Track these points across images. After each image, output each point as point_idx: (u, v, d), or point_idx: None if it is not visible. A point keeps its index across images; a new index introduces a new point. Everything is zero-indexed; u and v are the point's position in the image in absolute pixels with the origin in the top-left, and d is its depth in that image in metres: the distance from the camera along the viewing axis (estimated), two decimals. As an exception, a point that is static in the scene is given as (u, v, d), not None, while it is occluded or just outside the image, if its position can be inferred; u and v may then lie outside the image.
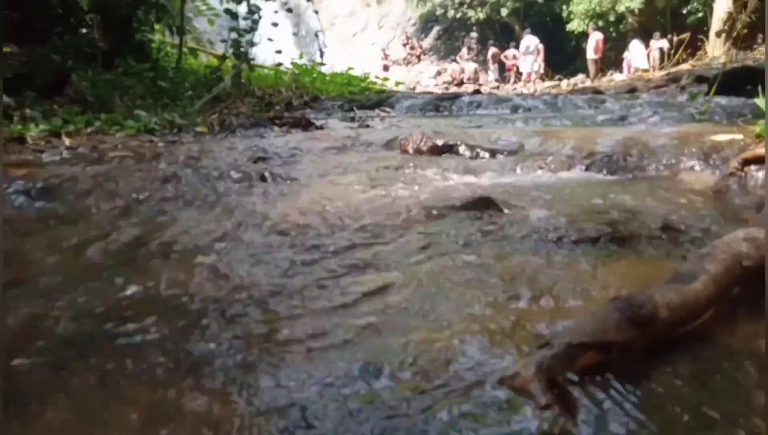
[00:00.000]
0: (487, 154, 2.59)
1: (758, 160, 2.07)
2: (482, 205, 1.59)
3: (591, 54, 15.66)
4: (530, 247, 1.23)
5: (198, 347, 0.81)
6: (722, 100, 5.02)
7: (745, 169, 2.05)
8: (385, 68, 20.26)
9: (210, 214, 1.55)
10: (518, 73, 17.24)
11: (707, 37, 13.65)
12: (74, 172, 2.10)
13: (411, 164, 2.39)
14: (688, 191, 1.78)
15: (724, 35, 11.22)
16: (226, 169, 2.20)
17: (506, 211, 1.57)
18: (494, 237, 1.30)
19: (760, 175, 2.00)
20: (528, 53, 16.18)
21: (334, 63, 19.31)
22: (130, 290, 0.99)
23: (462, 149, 2.70)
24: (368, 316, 0.86)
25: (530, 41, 16.32)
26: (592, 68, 15.70)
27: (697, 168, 2.13)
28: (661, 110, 4.23)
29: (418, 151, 2.77)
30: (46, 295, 0.97)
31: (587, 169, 2.22)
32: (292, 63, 8.35)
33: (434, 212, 1.49)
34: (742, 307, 0.88)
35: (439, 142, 2.75)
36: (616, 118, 3.95)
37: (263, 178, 2.03)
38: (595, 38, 15.61)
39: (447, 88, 15.91)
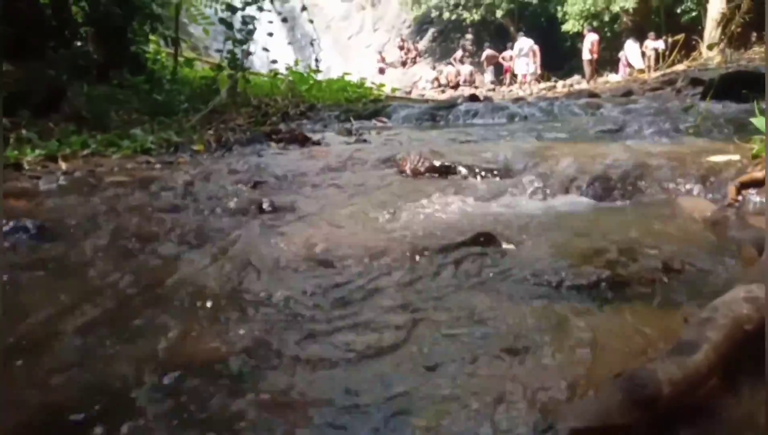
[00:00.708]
0: (484, 176, 2.59)
1: (755, 184, 2.08)
2: (480, 241, 1.58)
3: (586, 55, 15.70)
4: (529, 294, 1.23)
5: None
6: (718, 106, 5.04)
7: (743, 192, 2.06)
8: (381, 71, 20.25)
9: (207, 256, 1.54)
10: (514, 75, 17.26)
11: (701, 36, 13.70)
12: (71, 204, 2.10)
13: (408, 188, 2.38)
14: (686, 222, 1.78)
15: (717, 38, 11.25)
16: (223, 198, 2.20)
17: (505, 246, 1.57)
18: (493, 282, 1.30)
19: (757, 199, 2.01)
20: (522, 55, 16.20)
21: (330, 65, 19.31)
22: (123, 362, 0.98)
23: (459, 170, 2.69)
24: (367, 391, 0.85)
25: (524, 43, 16.35)
26: (587, 69, 15.73)
27: (695, 192, 2.14)
28: (657, 120, 4.24)
29: (415, 172, 2.76)
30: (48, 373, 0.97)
31: (585, 193, 2.22)
32: (288, 69, 8.35)
33: (430, 252, 1.48)
34: (742, 371, 0.88)
35: (437, 163, 2.75)
36: (612, 130, 3.95)
37: (261, 210, 2.03)
38: (591, 39, 15.65)
39: (443, 91, 15.93)
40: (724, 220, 1.73)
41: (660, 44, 15.03)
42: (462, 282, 1.31)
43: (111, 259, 1.53)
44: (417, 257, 1.46)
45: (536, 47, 16.35)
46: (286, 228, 1.81)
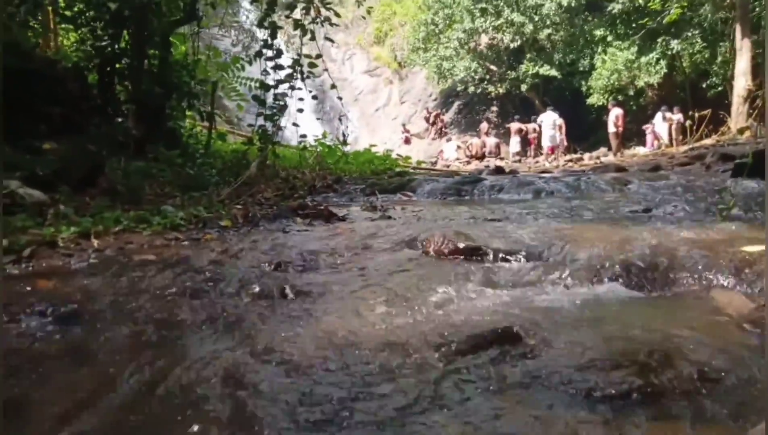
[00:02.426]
0: (509, 260, 2.55)
1: (794, 277, 1.99)
2: (505, 339, 1.53)
3: (612, 128, 15.85)
4: (557, 404, 1.16)
5: None
6: (750, 184, 4.96)
7: (781, 287, 1.98)
8: (407, 141, 20.75)
9: (226, 344, 1.53)
10: (539, 146, 17.46)
11: (729, 111, 13.74)
12: (99, 284, 2.13)
13: (432, 273, 2.36)
14: (722, 320, 1.70)
15: (745, 114, 11.26)
16: (246, 281, 2.21)
17: (531, 345, 1.51)
18: (517, 389, 1.24)
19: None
20: (546, 128, 16.45)
21: (357, 136, 19.91)
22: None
23: (483, 253, 2.66)
24: None
25: (548, 117, 16.62)
26: (613, 142, 15.84)
27: (729, 284, 2.06)
28: (687, 200, 4.18)
29: (439, 253, 2.75)
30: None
31: (613, 282, 2.16)
32: (317, 141, 8.62)
33: (452, 350, 1.44)
34: None
35: (461, 245, 2.73)
36: (641, 210, 3.89)
37: (283, 295, 2.02)
38: (615, 113, 15.85)
39: (469, 162, 16.14)
40: (762, 321, 1.64)
41: (678, 116, 15.17)
42: (484, 388, 1.26)
43: (131, 349, 1.53)
44: (437, 357, 1.42)
45: (561, 121, 16.59)
46: (306, 318, 1.79)
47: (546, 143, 16.62)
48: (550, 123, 16.46)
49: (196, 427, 1.11)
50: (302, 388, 1.27)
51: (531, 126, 18.26)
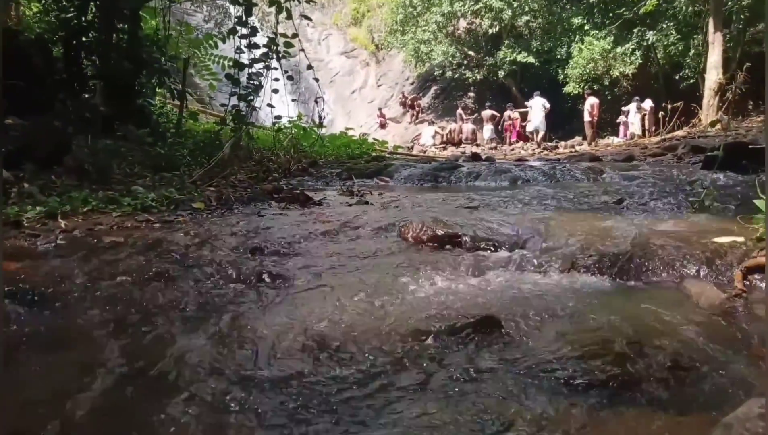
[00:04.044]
0: (487, 249, 2.56)
1: (761, 269, 2.04)
2: (484, 326, 1.53)
3: (587, 117, 16.04)
4: (538, 395, 1.17)
5: None
6: (720, 176, 5.08)
7: (749, 278, 2.02)
8: (382, 126, 20.63)
9: (203, 333, 1.49)
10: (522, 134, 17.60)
11: (700, 104, 14.03)
12: (67, 267, 2.05)
13: (410, 259, 2.35)
14: (694, 310, 1.73)
15: (716, 106, 11.52)
16: (221, 265, 2.16)
17: (510, 333, 1.52)
18: (500, 378, 1.24)
19: (764, 286, 1.97)
20: (537, 111, 16.51)
21: (332, 119, 19.66)
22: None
23: (462, 240, 2.66)
24: None
25: (536, 102, 16.67)
26: (588, 131, 16.05)
27: (701, 274, 2.10)
28: (660, 192, 4.25)
29: (417, 240, 2.73)
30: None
31: (589, 271, 2.18)
32: (292, 123, 8.47)
33: (433, 338, 1.43)
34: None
35: (439, 232, 2.73)
36: (615, 200, 3.94)
37: (260, 279, 1.99)
38: (590, 102, 16.04)
39: (445, 148, 16.16)
40: (733, 310, 1.68)
41: (647, 103, 15.54)
42: (464, 376, 1.25)
43: (103, 335, 1.48)
44: (418, 345, 1.41)
45: (548, 106, 16.64)
46: (284, 304, 1.76)
47: (537, 128, 16.63)
48: (539, 107, 16.52)
49: (169, 413, 1.08)
50: (276, 376, 1.25)
51: (507, 113, 18.33)
